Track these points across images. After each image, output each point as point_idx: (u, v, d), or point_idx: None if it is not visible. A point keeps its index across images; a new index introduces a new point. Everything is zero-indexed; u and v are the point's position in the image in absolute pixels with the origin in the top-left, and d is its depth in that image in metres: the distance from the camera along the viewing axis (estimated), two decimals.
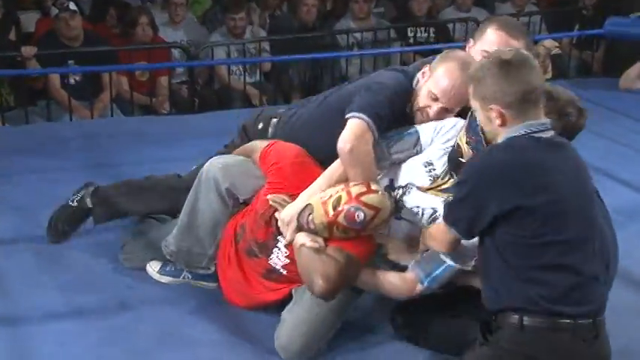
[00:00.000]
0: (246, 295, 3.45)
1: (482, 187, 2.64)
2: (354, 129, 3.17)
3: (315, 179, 3.29)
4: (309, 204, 3.15)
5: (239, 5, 7.23)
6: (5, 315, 3.38)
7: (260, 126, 3.79)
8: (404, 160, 3.30)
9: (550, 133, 2.65)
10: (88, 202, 3.93)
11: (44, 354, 3.14)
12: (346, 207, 3.03)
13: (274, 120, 3.75)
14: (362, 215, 3.03)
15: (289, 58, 7.03)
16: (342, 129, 3.22)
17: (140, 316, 3.44)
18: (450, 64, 3.26)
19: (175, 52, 6.99)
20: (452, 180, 3.22)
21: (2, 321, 3.34)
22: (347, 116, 3.21)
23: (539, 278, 2.57)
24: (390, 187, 3.34)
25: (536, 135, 2.61)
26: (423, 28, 7.69)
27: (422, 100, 3.30)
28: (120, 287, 3.65)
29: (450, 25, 7.91)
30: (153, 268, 3.71)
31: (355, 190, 3.07)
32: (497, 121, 2.63)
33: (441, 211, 3.06)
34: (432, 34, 7.68)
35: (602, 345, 2.64)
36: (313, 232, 3.13)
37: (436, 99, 3.26)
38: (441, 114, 3.28)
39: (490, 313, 2.69)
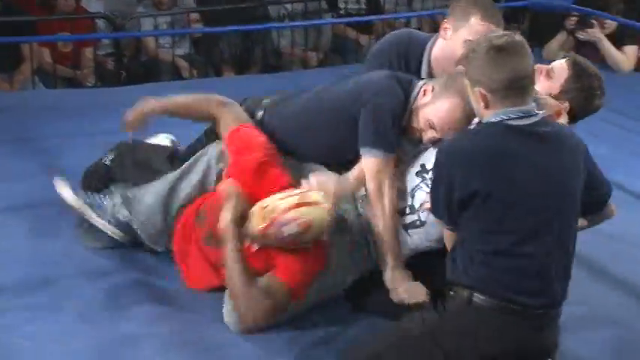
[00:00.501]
0: (204, 279, 3.23)
1: (449, 170, 2.63)
2: (373, 169, 3.11)
3: (274, 184, 3.10)
4: (251, 210, 3.00)
5: None
6: None
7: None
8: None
9: (532, 120, 2.58)
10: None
11: None
12: (277, 220, 2.86)
13: (260, 113, 3.52)
14: (290, 230, 2.86)
15: (220, 30, 6.74)
16: (332, 130, 3.25)
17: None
18: (455, 101, 3.04)
19: (100, 23, 6.48)
20: None
21: None
22: (361, 152, 3.13)
23: (493, 263, 2.56)
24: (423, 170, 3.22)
25: (512, 122, 2.55)
26: (353, 0, 7.33)
27: (419, 121, 3.14)
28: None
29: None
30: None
31: (291, 200, 2.92)
32: (482, 104, 2.58)
33: None
34: (363, 5, 7.32)
35: (548, 336, 2.66)
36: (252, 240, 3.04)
37: (433, 128, 3.10)
38: (434, 141, 3.13)
39: (447, 282, 2.70)
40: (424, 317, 2.74)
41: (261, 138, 3.27)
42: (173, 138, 4.22)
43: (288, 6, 7.12)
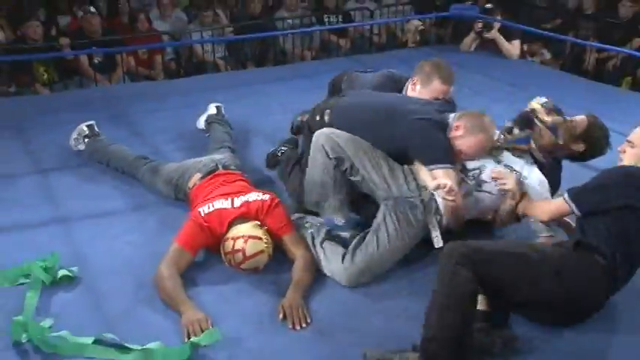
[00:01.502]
0: None
1: (615, 188, 2.66)
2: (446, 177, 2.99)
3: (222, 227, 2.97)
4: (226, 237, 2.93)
5: (206, 6, 7.30)
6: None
7: (317, 118, 3.44)
8: None
9: None
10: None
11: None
12: (234, 248, 2.85)
13: (327, 111, 3.40)
14: (235, 259, 2.86)
15: (244, 37, 6.99)
16: (385, 129, 3.16)
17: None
18: (482, 137, 3.09)
19: (165, 38, 6.98)
20: (518, 132, 3.15)
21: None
22: (431, 168, 3.04)
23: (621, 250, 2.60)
24: (464, 168, 3.19)
25: None
26: (334, 15, 7.77)
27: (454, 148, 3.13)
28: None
29: (352, 12, 7.92)
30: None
31: (248, 232, 2.87)
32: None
33: (525, 173, 3.10)
34: (340, 19, 7.74)
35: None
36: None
37: (464, 155, 3.14)
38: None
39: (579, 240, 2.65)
40: (545, 251, 2.65)
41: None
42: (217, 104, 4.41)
43: (290, 21, 7.37)
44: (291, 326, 2.66)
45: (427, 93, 3.45)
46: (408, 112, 3.19)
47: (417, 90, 3.49)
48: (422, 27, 7.35)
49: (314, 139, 3.21)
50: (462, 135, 3.09)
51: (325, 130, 3.23)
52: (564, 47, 7.42)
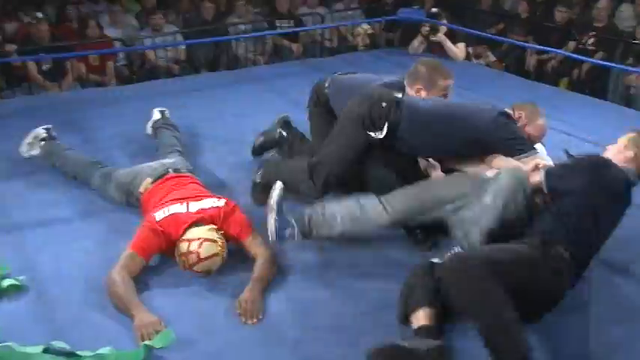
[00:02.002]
0: None
1: (579, 174, 2.73)
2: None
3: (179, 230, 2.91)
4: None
5: (156, 10, 7.26)
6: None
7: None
8: None
9: None
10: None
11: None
12: (189, 249, 2.81)
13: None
14: (189, 260, 2.81)
15: (197, 41, 6.94)
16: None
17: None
18: (543, 122, 3.40)
19: (117, 44, 6.87)
20: None
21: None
22: (525, 156, 3.12)
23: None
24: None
25: None
26: (286, 21, 7.73)
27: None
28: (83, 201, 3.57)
29: (304, 17, 7.93)
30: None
31: (204, 235, 2.84)
32: None
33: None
34: (291, 24, 7.71)
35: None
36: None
37: (532, 139, 3.32)
38: None
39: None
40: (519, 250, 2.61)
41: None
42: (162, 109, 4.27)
43: (242, 26, 7.37)
44: (243, 320, 2.66)
45: (435, 93, 3.51)
46: (485, 111, 3.28)
47: (422, 96, 3.51)
48: (371, 31, 7.40)
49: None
50: (527, 123, 3.32)
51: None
52: (508, 49, 7.66)
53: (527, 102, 3.47)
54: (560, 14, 7.62)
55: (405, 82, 3.59)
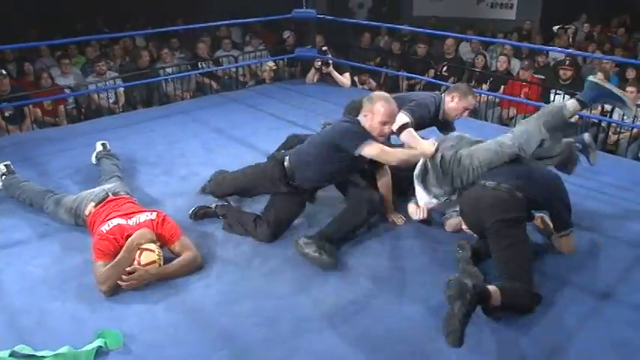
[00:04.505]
0: None
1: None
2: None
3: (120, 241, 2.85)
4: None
5: (100, 59, 7.02)
6: None
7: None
8: None
9: None
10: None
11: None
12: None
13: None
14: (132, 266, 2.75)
15: (133, 84, 6.69)
16: None
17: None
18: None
19: (67, 91, 6.60)
20: None
21: None
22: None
23: None
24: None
25: None
26: (206, 62, 7.61)
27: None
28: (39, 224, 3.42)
29: (221, 59, 7.77)
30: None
31: (145, 246, 2.81)
32: None
33: None
34: (211, 65, 7.60)
35: None
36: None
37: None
38: None
39: None
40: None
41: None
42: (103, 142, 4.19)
43: (169, 69, 7.20)
44: (121, 283, 2.70)
45: (463, 104, 3.64)
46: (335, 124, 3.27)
47: (454, 101, 3.64)
48: (275, 67, 7.38)
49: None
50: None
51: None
52: (385, 77, 7.91)
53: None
54: (421, 49, 8.07)
55: (447, 91, 3.77)
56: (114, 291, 2.73)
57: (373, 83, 7.79)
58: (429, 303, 2.66)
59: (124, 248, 2.76)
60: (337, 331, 2.47)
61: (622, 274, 2.91)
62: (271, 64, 7.41)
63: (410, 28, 7.70)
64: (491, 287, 2.45)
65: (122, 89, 6.84)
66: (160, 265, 2.82)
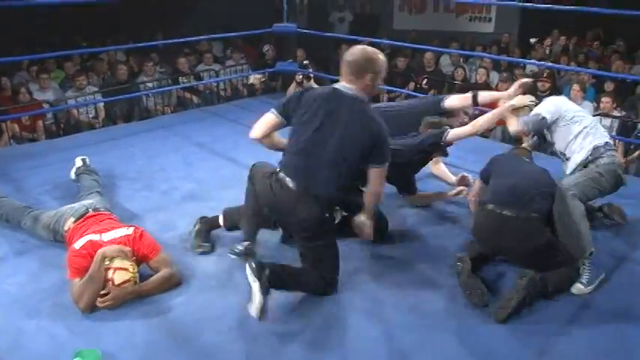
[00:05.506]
0: None
1: None
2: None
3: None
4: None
5: (80, 73, 6.95)
6: None
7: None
8: None
9: None
10: None
11: None
12: (105, 277, 2.73)
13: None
14: (105, 287, 2.72)
15: (113, 99, 6.62)
16: None
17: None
18: None
19: (46, 106, 6.54)
20: None
21: None
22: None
23: None
24: None
25: None
26: (186, 76, 7.61)
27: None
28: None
29: (202, 73, 7.81)
30: None
31: (117, 265, 2.75)
32: None
33: None
34: (192, 80, 7.61)
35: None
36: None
37: None
38: None
39: None
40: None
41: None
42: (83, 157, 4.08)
43: (150, 84, 7.19)
44: (98, 304, 2.69)
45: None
46: None
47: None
48: (264, 78, 7.40)
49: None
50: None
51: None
52: None
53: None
54: (401, 62, 8.14)
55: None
56: (92, 308, 2.68)
57: None
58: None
59: (93, 261, 2.72)
60: (323, 346, 2.46)
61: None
62: (259, 76, 7.43)
63: (389, 41, 7.76)
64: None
65: (102, 104, 6.84)
66: (135, 282, 2.77)
